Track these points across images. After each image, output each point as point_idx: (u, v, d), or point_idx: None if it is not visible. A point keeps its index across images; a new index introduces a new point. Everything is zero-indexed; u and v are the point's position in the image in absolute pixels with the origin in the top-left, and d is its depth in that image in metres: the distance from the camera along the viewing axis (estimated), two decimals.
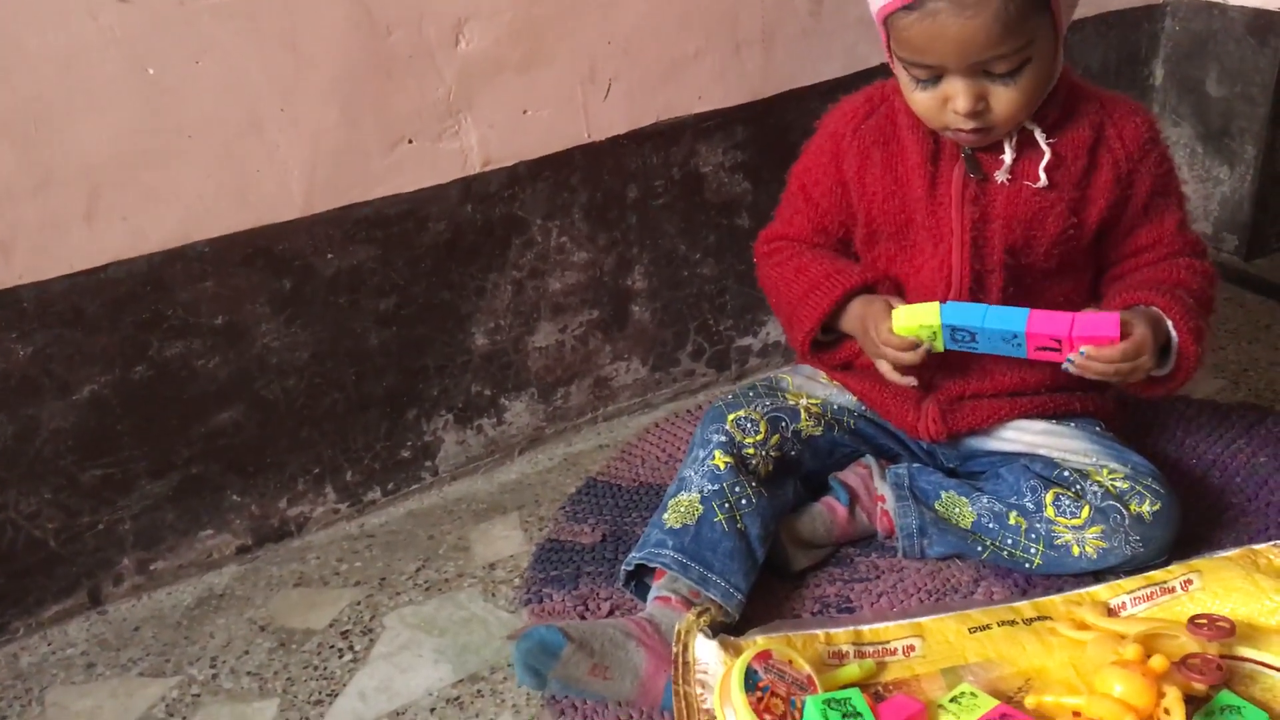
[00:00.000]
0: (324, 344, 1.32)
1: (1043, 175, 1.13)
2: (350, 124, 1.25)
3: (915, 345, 1.12)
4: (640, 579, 1.18)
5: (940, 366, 1.21)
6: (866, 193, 1.20)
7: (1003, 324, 1.07)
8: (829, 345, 1.27)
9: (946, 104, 1.07)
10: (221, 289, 1.25)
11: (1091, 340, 1.05)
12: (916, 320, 1.10)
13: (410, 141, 1.30)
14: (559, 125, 1.38)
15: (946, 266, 1.17)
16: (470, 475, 1.49)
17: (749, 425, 1.21)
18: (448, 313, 1.39)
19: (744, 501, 1.16)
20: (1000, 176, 1.14)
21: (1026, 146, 1.14)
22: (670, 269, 1.53)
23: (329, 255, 1.29)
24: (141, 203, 1.18)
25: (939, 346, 1.12)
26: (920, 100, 1.09)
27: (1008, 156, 1.13)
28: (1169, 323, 1.10)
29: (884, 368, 1.18)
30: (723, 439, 1.19)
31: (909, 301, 1.18)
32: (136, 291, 1.20)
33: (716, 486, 1.16)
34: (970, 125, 1.08)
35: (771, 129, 1.53)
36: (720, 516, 1.14)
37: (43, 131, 1.11)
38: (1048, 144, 1.12)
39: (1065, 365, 1.08)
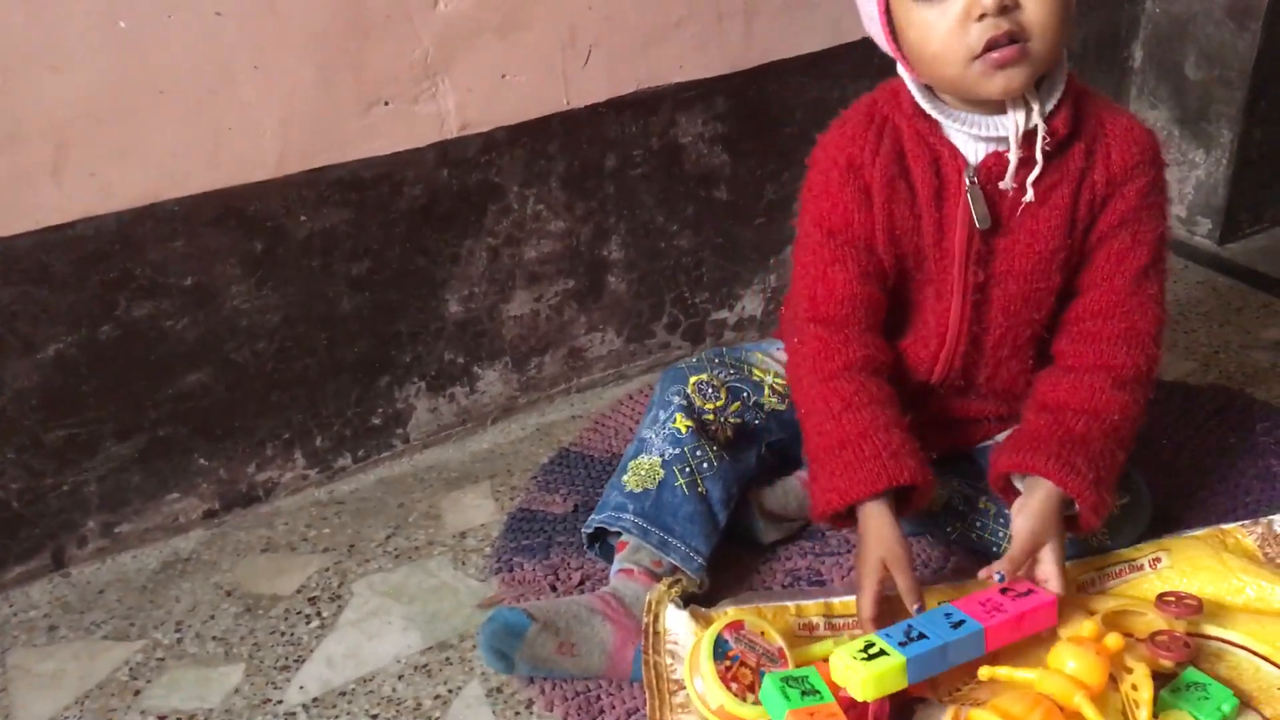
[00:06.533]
0: (295, 307, 1.31)
1: (1029, 189, 1.01)
2: (325, 84, 1.23)
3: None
4: (603, 539, 1.18)
5: (933, 403, 1.16)
6: (895, 232, 1.06)
7: (966, 655, 0.96)
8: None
9: (967, 19, 0.92)
10: (191, 249, 1.23)
11: (1032, 614, 0.98)
12: (882, 685, 0.91)
13: (386, 103, 1.28)
14: (538, 91, 1.37)
15: (944, 325, 1.10)
16: (442, 444, 1.47)
17: (709, 391, 1.19)
18: (422, 279, 1.37)
19: (705, 465, 1.15)
20: (1006, 184, 1.01)
21: (1025, 163, 1.01)
22: (647, 240, 1.52)
23: (302, 217, 1.27)
24: (110, 159, 1.15)
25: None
26: (932, 25, 0.93)
27: (1013, 156, 1.00)
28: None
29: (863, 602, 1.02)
30: (683, 402, 1.18)
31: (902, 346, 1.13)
32: (105, 250, 1.18)
33: (678, 450, 1.15)
34: (1004, 27, 0.90)
35: (752, 101, 1.52)
36: (681, 481, 1.13)
37: (10, 84, 1.08)
38: (1043, 152, 1.00)
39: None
